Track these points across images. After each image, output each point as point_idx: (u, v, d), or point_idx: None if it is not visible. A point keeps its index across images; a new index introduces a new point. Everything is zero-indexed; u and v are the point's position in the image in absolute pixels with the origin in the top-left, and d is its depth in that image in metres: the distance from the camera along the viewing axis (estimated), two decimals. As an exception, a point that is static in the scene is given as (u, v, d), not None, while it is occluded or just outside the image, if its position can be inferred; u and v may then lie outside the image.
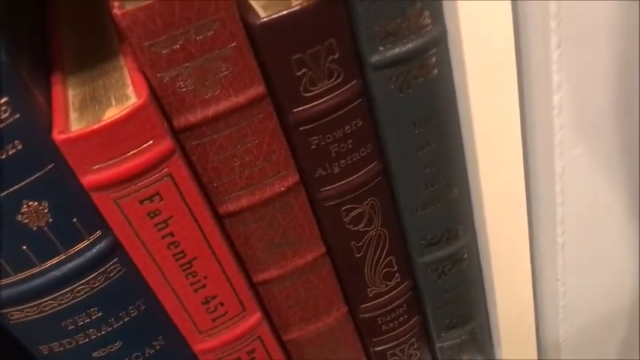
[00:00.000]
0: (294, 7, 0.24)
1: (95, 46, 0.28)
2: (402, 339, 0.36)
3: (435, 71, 0.28)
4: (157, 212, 0.25)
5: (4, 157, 0.23)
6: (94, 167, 0.23)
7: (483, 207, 0.32)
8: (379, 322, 0.35)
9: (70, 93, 0.26)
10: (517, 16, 0.27)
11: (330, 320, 0.34)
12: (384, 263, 0.33)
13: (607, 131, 0.30)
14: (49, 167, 0.23)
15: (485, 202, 0.32)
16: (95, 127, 0.23)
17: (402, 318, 0.36)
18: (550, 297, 0.36)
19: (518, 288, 0.36)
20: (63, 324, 0.27)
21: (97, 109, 0.24)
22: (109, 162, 0.23)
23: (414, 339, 0.37)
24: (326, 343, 0.35)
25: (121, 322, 0.28)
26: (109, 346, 0.28)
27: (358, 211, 0.30)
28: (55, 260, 0.25)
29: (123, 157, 0.23)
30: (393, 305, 0.35)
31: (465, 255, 0.35)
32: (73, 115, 0.24)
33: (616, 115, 0.30)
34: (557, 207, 0.32)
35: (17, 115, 0.22)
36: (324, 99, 0.26)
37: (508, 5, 0.26)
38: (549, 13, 0.25)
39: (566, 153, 0.30)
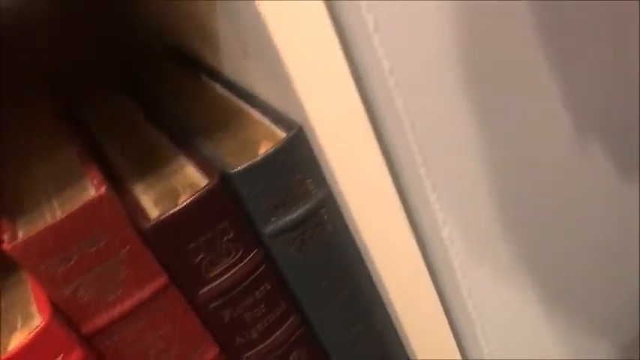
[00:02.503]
0: (181, 203, 0.26)
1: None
2: None
3: (330, 226, 0.29)
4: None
5: None
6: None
7: (408, 337, 0.33)
8: None
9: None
10: (392, 166, 0.29)
11: None
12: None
13: (502, 248, 0.32)
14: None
15: (409, 332, 0.33)
16: (3, 357, 0.23)
17: None
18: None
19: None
20: None
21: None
22: (19, 387, 0.24)
23: None
24: None
25: None
26: None
27: (286, 365, 0.31)
28: None
29: (34, 377, 0.24)
30: None
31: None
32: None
33: (504, 233, 0.32)
34: (475, 321, 0.33)
35: None
36: (227, 275, 0.28)
37: (382, 163, 0.28)
38: (417, 164, 0.28)
39: (469, 275, 0.32)
